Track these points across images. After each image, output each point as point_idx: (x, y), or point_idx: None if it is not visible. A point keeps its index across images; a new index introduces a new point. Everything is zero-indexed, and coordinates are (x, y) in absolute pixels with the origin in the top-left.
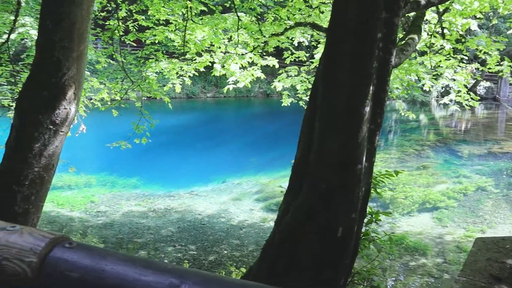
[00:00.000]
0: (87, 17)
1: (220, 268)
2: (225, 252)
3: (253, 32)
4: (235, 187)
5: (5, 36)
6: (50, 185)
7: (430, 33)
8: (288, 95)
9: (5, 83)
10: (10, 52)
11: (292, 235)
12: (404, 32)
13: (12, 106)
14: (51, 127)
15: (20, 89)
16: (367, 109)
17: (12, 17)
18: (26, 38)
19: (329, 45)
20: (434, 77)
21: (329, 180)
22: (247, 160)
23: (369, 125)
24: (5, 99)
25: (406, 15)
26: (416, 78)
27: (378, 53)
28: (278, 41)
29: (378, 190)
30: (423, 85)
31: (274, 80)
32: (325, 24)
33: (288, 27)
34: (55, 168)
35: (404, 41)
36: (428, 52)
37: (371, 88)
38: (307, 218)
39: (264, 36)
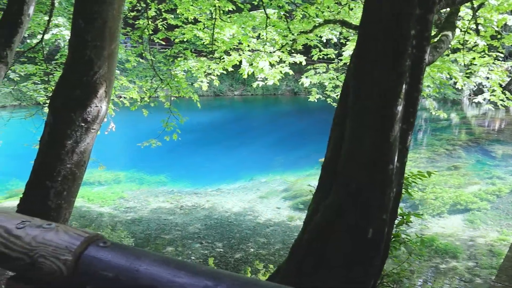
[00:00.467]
0: (118, 16)
1: (247, 266)
2: (252, 250)
3: (281, 30)
4: (262, 185)
5: (40, 36)
6: (81, 181)
7: (463, 30)
8: (316, 91)
9: (39, 82)
10: (44, 52)
11: (322, 234)
12: (437, 29)
13: (46, 103)
14: (82, 124)
15: (53, 87)
16: (400, 108)
17: (46, 18)
18: (59, 39)
19: (360, 43)
20: (467, 75)
21: (360, 180)
22: (274, 158)
23: (401, 125)
24: (40, 97)
25: (440, 11)
26: (448, 76)
27: (411, 50)
28: (307, 38)
29: (410, 191)
30: (455, 83)
31: (301, 77)
32: (355, 22)
33: (317, 24)
34: (86, 164)
35: (437, 38)
36: (462, 49)
37: (403, 86)
38: (337, 217)
39: (293, 34)
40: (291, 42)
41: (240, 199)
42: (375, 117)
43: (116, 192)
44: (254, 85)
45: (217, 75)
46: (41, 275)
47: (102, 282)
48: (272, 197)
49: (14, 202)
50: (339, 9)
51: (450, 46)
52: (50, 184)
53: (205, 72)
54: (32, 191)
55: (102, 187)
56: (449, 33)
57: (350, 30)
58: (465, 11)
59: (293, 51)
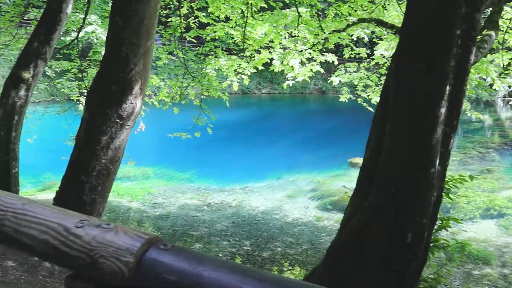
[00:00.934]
0: (154, 14)
1: (274, 265)
2: (279, 249)
3: (313, 28)
4: (290, 184)
5: (74, 34)
6: (115, 177)
7: (503, 29)
8: (347, 91)
9: (73, 78)
10: (78, 49)
11: (359, 236)
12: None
13: (79, 99)
14: (118, 121)
15: (86, 84)
16: (443, 110)
17: (80, 15)
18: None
19: (402, 42)
20: (504, 76)
21: (400, 182)
22: (301, 157)
23: (444, 127)
24: (73, 94)
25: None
26: (484, 77)
27: (455, 51)
28: (339, 37)
29: (450, 196)
30: (491, 84)
31: (331, 76)
32: (390, 20)
33: (350, 23)
34: (120, 160)
35: (480, 38)
36: (501, 49)
37: (447, 88)
38: (375, 219)
39: (325, 33)
40: (323, 41)
41: (267, 198)
42: (417, 119)
43: (145, 187)
44: (284, 85)
45: (247, 74)
46: (101, 275)
47: (164, 285)
48: (300, 197)
49: (48, 195)
50: (372, 8)
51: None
52: (86, 179)
53: (235, 71)
54: (67, 185)
55: (131, 182)
56: (492, 33)
57: (384, 29)
58: (505, 10)
59: (324, 49)
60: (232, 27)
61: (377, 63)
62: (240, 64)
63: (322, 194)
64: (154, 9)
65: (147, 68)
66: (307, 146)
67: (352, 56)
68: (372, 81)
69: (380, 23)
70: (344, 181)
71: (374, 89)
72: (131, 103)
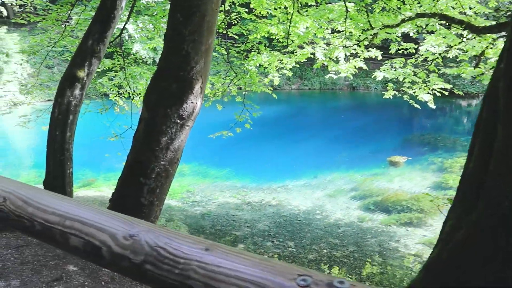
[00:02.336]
0: (216, 10)
1: (322, 268)
2: (325, 251)
3: (360, 23)
4: (328, 183)
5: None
6: (173, 179)
7: None
8: (393, 87)
9: (114, 76)
10: (122, 47)
11: (466, 252)
12: None
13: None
14: (178, 121)
15: (127, 82)
16: None
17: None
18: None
19: None
20: None
21: None
22: (337, 155)
23: None
24: (111, 93)
25: None
26: None
27: None
28: (387, 32)
29: None
30: None
31: (362, 72)
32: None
33: (406, 18)
34: (179, 162)
35: None
36: None
37: None
38: (484, 235)
39: (373, 28)
40: (371, 36)
41: (307, 197)
42: None
43: (182, 185)
44: (327, 77)
45: (289, 68)
46: None
47: None
48: (340, 196)
49: (88, 192)
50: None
51: None
52: (144, 181)
53: (276, 66)
54: (125, 187)
55: None
56: None
57: (437, 24)
58: None
59: (370, 45)
60: (275, 24)
61: (425, 59)
62: (281, 60)
63: (363, 194)
64: (216, 5)
65: (208, 66)
66: (341, 143)
67: (400, 52)
68: (419, 77)
69: (446, 18)
70: (385, 181)
71: (421, 86)
72: (192, 102)
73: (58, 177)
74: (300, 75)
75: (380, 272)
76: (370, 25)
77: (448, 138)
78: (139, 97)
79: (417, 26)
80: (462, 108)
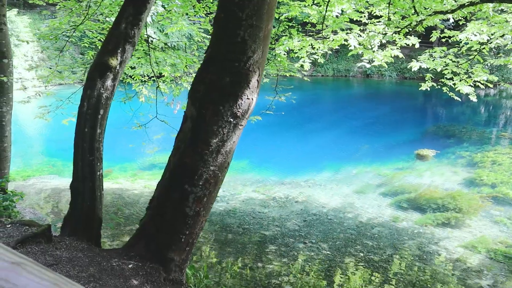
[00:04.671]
0: None
1: (359, 273)
2: (361, 254)
3: (401, 9)
4: (354, 177)
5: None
6: (221, 185)
7: None
8: (432, 77)
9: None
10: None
11: None
12: None
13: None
14: (231, 120)
15: (153, 69)
16: None
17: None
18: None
19: None
20: None
21: None
22: (358, 146)
23: None
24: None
25: None
26: None
27: None
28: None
29: None
30: None
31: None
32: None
33: (467, 3)
34: (228, 166)
35: None
36: None
37: None
38: None
39: (418, 14)
40: (415, 23)
41: (334, 193)
42: None
43: None
44: (359, 64)
45: (322, 54)
46: None
47: None
48: (369, 193)
49: (105, 184)
50: None
51: None
52: (190, 188)
53: (307, 52)
54: (166, 194)
55: None
56: None
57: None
58: None
59: (411, 32)
60: (308, 5)
61: (470, 49)
62: (312, 45)
63: (394, 190)
64: None
65: (265, 56)
66: (362, 134)
67: (444, 40)
68: (462, 68)
69: None
70: (414, 176)
71: (463, 77)
72: (248, 98)
73: (86, 179)
74: (313, 61)
75: (424, 279)
76: (415, 10)
77: (473, 130)
78: (165, 84)
79: (467, 13)
80: (480, 98)
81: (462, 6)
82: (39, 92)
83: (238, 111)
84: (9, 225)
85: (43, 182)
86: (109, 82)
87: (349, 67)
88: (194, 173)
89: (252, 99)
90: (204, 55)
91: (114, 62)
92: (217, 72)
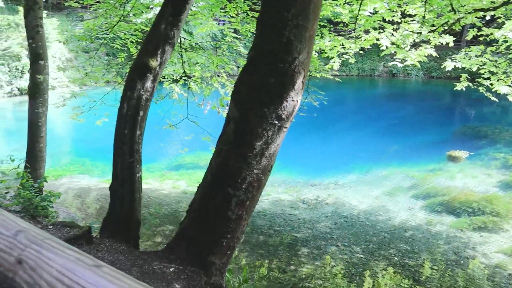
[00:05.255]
0: None
1: (394, 278)
2: (396, 258)
3: (437, 6)
4: (383, 179)
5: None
6: (263, 188)
7: None
8: (467, 77)
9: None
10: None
11: None
12: None
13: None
14: (276, 122)
15: (185, 69)
16: None
17: None
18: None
19: None
20: None
21: None
22: (387, 147)
23: None
24: (165, 80)
25: None
26: None
27: None
28: (476, 17)
29: None
30: None
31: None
32: None
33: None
34: (271, 169)
35: None
36: None
37: None
38: None
39: (455, 12)
40: (453, 21)
41: (364, 195)
42: None
43: None
44: (390, 63)
45: (353, 54)
46: None
47: None
48: (400, 195)
49: None
50: None
51: None
52: (233, 192)
53: (338, 52)
54: (208, 197)
55: None
56: None
57: None
58: None
59: (448, 30)
60: (340, 4)
61: (508, 47)
62: (343, 45)
63: (425, 192)
64: None
65: (310, 56)
66: (389, 134)
67: (481, 38)
68: (500, 67)
69: None
70: (446, 178)
71: (501, 77)
72: (293, 100)
73: (126, 181)
74: (344, 61)
75: (461, 285)
76: (452, 8)
77: (506, 131)
78: (196, 84)
79: (508, 10)
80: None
81: (506, 3)
82: (74, 93)
83: (283, 113)
84: (51, 226)
85: (73, 182)
86: (148, 84)
87: (374, 66)
88: (237, 176)
89: (297, 101)
90: (247, 55)
91: (154, 63)
92: (262, 73)
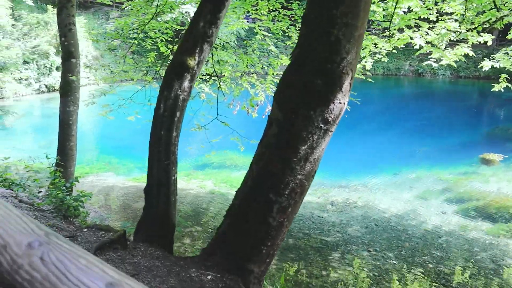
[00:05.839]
0: None
1: (430, 286)
2: (430, 266)
3: (479, 4)
4: (413, 182)
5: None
6: (305, 195)
7: None
8: (507, 77)
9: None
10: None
11: None
12: None
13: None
14: (322, 125)
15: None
16: None
17: None
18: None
19: None
20: None
21: None
22: (416, 148)
23: None
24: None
25: None
26: None
27: None
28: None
29: None
30: None
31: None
32: None
33: None
34: (315, 174)
35: None
36: None
37: None
38: None
39: (498, 10)
40: (495, 19)
41: (395, 198)
42: None
43: None
44: (424, 63)
45: (386, 54)
46: None
47: None
48: (432, 199)
49: None
50: None
51: None
52: (275, 198)
53: (370, 51)
54: (248, 203)
55: (240, 172)
56: None
57: None
58: None
59: (488, 29)
60: (374, 2)
61: None
62: (376, 44)
63: (459, 196)
64: None
65: (358, 57)
66: (418, 135)
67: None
68: None
69: None
70: (480, 182)
71: None
72: (340, 102)
73: (162, 184)
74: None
75: None
76: (495, 5)
77: None
78: (226, 84)
79: None
80: None
81: None
82: (104, 91)
83: (330, 116)
84: (86, 229)
85: (100, 180)
86: (186, 83)
87: (399, 65)
88: (280, 181)
89: (344, 103)
90: (290, 55)
91: (192, 62)
92: (308, 74)
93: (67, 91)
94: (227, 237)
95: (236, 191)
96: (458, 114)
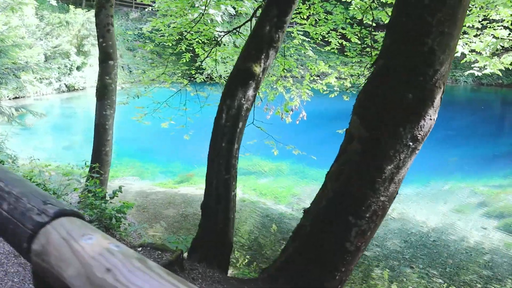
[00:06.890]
0: None
1: None
2: (478, 286)
3: None
4: (447, 194)
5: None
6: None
7: None
8: None
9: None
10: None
11: None
12: None
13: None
14: (410, 143)
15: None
16: None
17: None
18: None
19: None
20: None
21: None
22: (446, 158)
23: None
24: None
25: None
26: None
27: None
28: None
29: None
30: None
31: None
32: None
33: None
34: (397, 195)
35: None
36: None
37: None
38: None
39: None
40: None
41: (431, 211)
42: None
43: (285, 186)
44: (466, 73)
45: None
46: None
47: None
48: (469, 212)
49: (188, 189)
50: None
51: None
52: (354, 221)
53: None
54: (323, 225)
55: (267, 179)
56: None
57: None
58: None
59: None
60: None
61: None
62: None
63: (498, 211)
64: None
65: (450, 69)
66: (447, 145)
67: None
68: None
69: None
70: None
71: None
72: (430, 119)
73: (221, 199)
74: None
75: None
76: None
77: None
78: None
79: None
80: None
81: None
82: (138, 93)
83: (419, 134)
84: (140, 249)
85: (127, 184)
86: (250, 92)
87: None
88: (361, 203)
89: (434, 119)
90: (372, 65)
91: (257, 69)
92: (396, 86)
93: (104, 94)
94: (295, 261)
95: (304, 211)
96: (485, 123)
